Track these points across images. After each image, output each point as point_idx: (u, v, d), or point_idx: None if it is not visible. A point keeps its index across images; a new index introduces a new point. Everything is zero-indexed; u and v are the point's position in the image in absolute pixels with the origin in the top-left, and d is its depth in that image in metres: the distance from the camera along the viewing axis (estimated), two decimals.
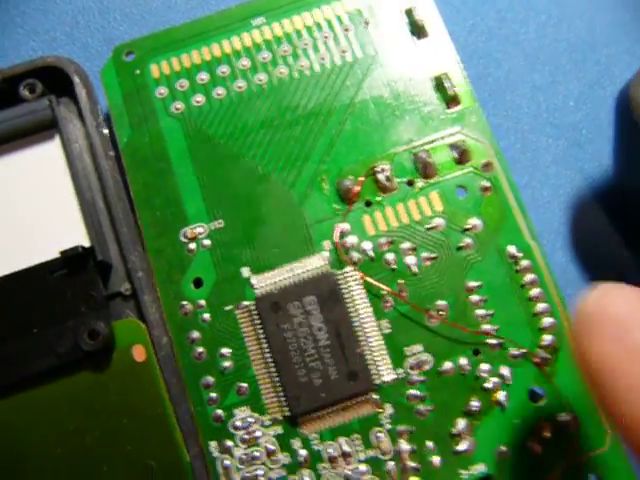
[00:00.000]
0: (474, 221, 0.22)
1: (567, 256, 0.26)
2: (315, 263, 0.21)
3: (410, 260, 0.21)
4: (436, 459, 0.20)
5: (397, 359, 0.21)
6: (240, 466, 0.20)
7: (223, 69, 0.23)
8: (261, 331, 0.21)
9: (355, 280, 0.21)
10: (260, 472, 0.20)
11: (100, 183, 0.23)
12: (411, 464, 0.20)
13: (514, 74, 0.28)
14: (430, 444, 0.20)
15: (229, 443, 0.21)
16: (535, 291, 0.21)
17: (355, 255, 0.22)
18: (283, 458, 0.20)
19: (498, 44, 0.28)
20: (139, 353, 0.22)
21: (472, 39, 0.28)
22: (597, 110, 0.27)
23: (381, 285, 0.21)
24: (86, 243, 0.22)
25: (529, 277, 0.21)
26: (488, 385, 0.21)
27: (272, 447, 0.20)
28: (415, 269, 0.21)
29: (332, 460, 0.20)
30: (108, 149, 0.23)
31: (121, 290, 0.22)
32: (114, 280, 0.22)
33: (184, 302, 0.21)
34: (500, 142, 0.26)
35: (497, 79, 0.27)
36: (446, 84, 0.22)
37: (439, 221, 0.22)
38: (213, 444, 0.21)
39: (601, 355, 0.13)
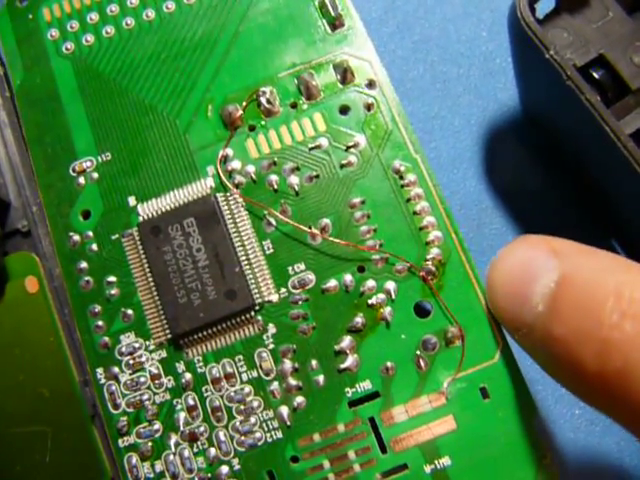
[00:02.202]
0: (357, 138, 0.21)
1: (480, 184, 0.25)
2: (198, 188, 0.21)
3: (293, 180, 0.21)
4: (320, 377, 0.20)
5: (280, 279, 0.21)
6: (126, 391, 0.20)
7: (112, 8, 0.23)
8: (144, 256, 0.21)
9: (236, 202, 0.21)
10: (145, 397, 0.20)
11: None
12: (295, 383, 0.20)
13: (424, 7, 0.27)
14: (314, 362, 0.20)
15: (115, 369, 0.21)
16: (421, 205, 0.21)
17: (238, 178, 0.21)
18: (167, 382, 0.20)
19: None
20: (32, 284, 0.22)
21: None
22: None
23: (261, 205, 0.21)
24: None
25: (415, 191, 0.21)
26: (373, 301, 0.20)
27: (156, 371, 0.20)
28: (297, 188, 0.21)
29: (215, 382, 0.20)
30: (3, 90, 0.23)
31: (19, 227, 0.23)
32: (13, 218, 0.23)
33: (72, 234, 0.21)
34: (409, 73, 0.26)
35: (406, 12, 0.27)
36: (329, 6, 0.22)
37: (322, 140, 0.21)
38: (100, 370, 0.21)
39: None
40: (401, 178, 0.21)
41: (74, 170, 0.22)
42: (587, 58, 0.22)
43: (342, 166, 0.21)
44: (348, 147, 0.21)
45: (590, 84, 0.22)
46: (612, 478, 0.22)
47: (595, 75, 0.22)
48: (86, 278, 0.21)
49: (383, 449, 0.19)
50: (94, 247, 0.21)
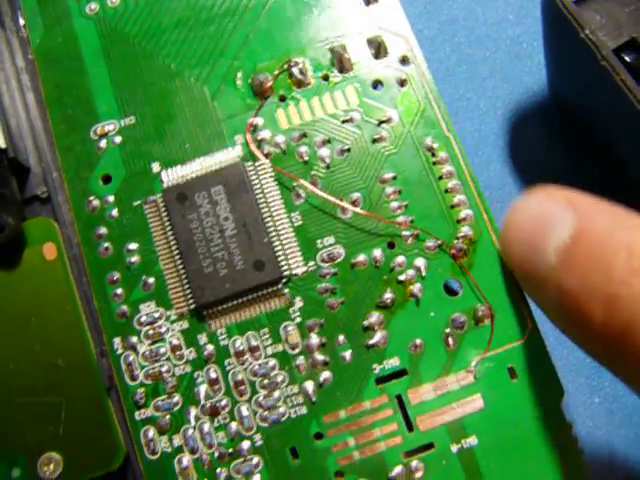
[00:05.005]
0: (390, 113, 0.21)
1: (504, 167, 0.25)
2: (226, 156, 0.21)
3: (323, 152, 0.21)
4: (347, 353, 0.19)
5: (309, 252, 0.20)
6: (144, 362, 0.20)
7: None
8: (168, 223, 0.20)
9: (265, 172, 0.21)
10: (165, 368, 0.20)
11: (19, 87, 0.22)
12: (321, 358, 0.19)
13: None
14: (341, 338, 0.20)
15: (134, 339, 0.20)
16: (452, 183, 0.20)
17: (268, 148, 0.21)
18: (188, 353, 0.20)
19: None
20: (50, 251, 0.21)
21: None
22: (538, 24, 0.26)
23: (292, 175, 0.20)
24: (2, 145, 0.22)
25: (446, 169, 0.21)
26: (403, 277, 0.20)
27: (177, 342, 0.20)
28: (328, 161, 0.21)
29: (239, 355, 0.20)
30: (26, 53, 0.22)
31: (38, 193, 0.22)
32: (32, 184, 0.22)
33: (91, 198, 0.21)
34: (435, 54, 0.26)
35: None
36: None
37: (354, 114, 0.21)
38: (117, 340, 0.20)
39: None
40: (433, 155, 0.21)
41: (95, 133, 0.21)
42: (619, 41, 0.22)
43: (374, 141, 0.21)
44: (380, 122, 0.21)
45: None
46: (630, 468, 0.22)
47: (627, 58, 0.22)
48: (105, 244, 0.20)
49: (410, 427, 0.19)
50: (114, 213, 0.21)
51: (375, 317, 0.20)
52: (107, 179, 0.21)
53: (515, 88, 0.26)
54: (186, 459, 0.19)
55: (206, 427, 0.19)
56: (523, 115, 0.25)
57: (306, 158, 0.21)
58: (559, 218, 0.17)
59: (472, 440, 0.19)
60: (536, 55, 0.26)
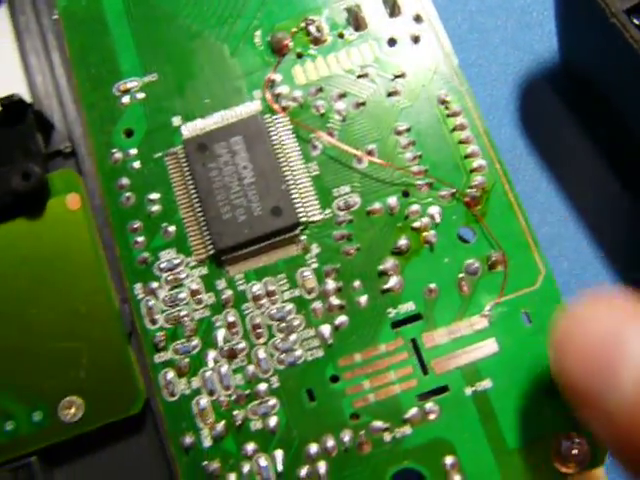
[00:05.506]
0: (404, 68, 0.22)
1: (515, 132, 0.26)
2: (245, 110, 0.21)
3: (339, 106, 0.21)
4: (363, 298, 0.20)
5: (325, 200, 0.21)
6: (164, 307, 0.20)
7: None
8: (188, 173, 0.21)
9: (283, 124, 0.21)
10: (184, 312, 0.20)
11: (44, 47, 0.23)
12: (337, 302, 0.20)
13: None
14: (357, 283, 0.20)
15: (154, 284, 0.20)
16: (466, 134, 0.21)
17: (285, 102, 0.21)
18: (207, 298, 0.20)
19: None
20: (74, 201, 0.22)
21: None
22: None
23: (308, 127, 0.21)
24: (28, 100, 0.22)
25: (460, 120, 0.21)
26: (417, 224, 0.20)
27: (196, 287, 0.20)
28: (344, 114, 0.21)
29: (256, 299, 0.20)
30: (52, 13, 0.23)
31: (61, 148, 0.23)
32: (56, 139, 0.23)
33: (114, 150, 0.21)
34: (447, 22, 0.26)
35: None
36: None
37: (369, 69, 0.22)
38: (138, 286, 0.20)
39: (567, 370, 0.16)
40: (446, 108, 0.21)
41: (118, 89, 0.22)
42: (629, 3, 0.22)
43: (389, 94, 0.21)
44: (395, 76, 0.22)
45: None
46: None
47: (636, 21, 0.22)
48: (127, 194, 0.21)
49: (424, 370, 0.19)
50: (136, 165, 0.21)
51: (390, 263, 0.20)
52: (129, 133, 0.22)
53: (526, 55, 0.26)
54: (204, 401, 0.19)
55: (224, 369, 0.20)
56: (534, 81, 0.26)
57: (322, 111, 0.21)
58: (635, 340, 0.15)
59: (486, 383, 0.19)
60: (547, 24, 0.26)
